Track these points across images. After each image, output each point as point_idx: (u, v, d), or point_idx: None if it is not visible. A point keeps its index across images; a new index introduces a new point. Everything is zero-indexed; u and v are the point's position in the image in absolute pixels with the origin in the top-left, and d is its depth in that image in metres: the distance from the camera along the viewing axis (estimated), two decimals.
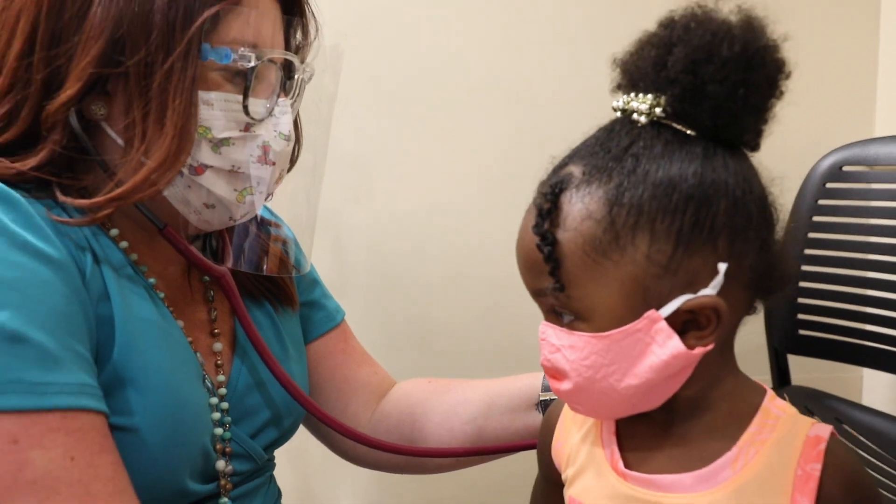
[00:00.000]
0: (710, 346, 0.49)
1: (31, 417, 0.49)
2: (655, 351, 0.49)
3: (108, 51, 0.56)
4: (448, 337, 1.47)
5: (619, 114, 0.52)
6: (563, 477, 0.58)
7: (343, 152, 1.40)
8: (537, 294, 0.53)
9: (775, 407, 0.53)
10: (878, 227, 1.15)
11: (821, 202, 1.20)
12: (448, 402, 0.82)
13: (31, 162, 0.56)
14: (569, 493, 0.56)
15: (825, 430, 0.51)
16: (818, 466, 0.49)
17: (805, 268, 1.21)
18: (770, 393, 0.54)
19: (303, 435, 0.87)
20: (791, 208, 1.24)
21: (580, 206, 0.49)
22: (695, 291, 0.49)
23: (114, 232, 0.61)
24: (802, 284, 1.21)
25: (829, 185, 1.19)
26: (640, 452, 0.54)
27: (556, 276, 0.50)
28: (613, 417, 0.55)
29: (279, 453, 0.78)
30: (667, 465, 0.52)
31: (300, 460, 1.37)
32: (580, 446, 0.57)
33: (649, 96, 0.50)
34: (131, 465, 0.54)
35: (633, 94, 0.51)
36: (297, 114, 0.70)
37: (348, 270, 1.44)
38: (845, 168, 1.19)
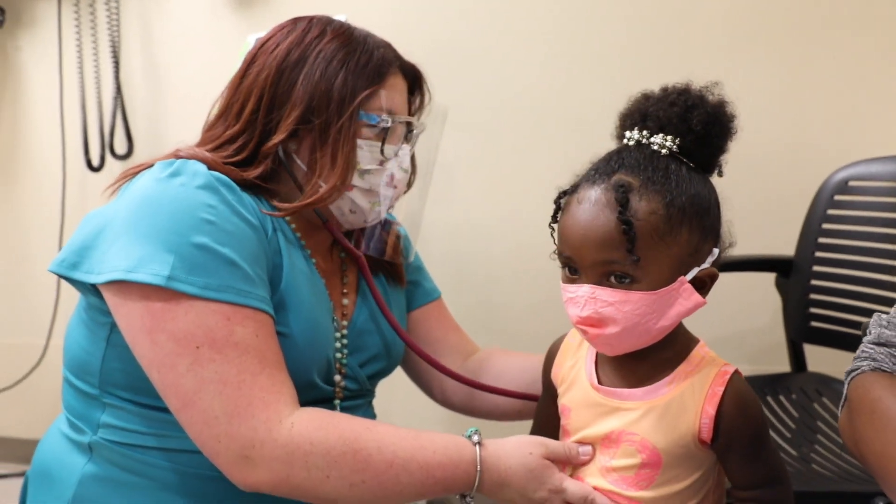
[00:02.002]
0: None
1: (237, 308, 0.78)
2: (682, 302, 0.72)
3: (305, 113, 0.88)
4: (511, 321, 1.72)
5: (631, 143, 0.75)
6: (559, 391, 0.84)
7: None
8: (603, 264, 0.71)
9: (703, 351, 0.78)
10: (876, 235, 1.33)
11: (829, 212, 1.38)
12: (515, 366, 1.05)
13: (254, 173, 0.88)
14: (561, 401, 0.82)
15: (732, 368, 0.76)
16: (721, 388, 0.73)
17: (815, 268, 1.39)
18: (702, 343, 0.79)
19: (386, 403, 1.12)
20: (805, 215, 1.43)
21: (646, 205, 0.70)
22: (700, 265, 0.74)
23: (287, 219, 0.92)
24: (814, 283, 1.39)
25: (836, 197, 1.38)
26: (610, 375, 0.79)
27: (632, 250, 0.70)
28: (627, 351, 0.75)
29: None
30: (626, 383, 0.77)
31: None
32: (570, 371, 0.83)
33: (669, 137, 0.74)
34: (284, 358, 0.82)
35: (651, 133, 0.74)
36: (414, 154, 1.01)
37: (429, 263, 1.72)
38: (850, 183, 1.36)
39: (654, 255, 0.70)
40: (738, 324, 1.61)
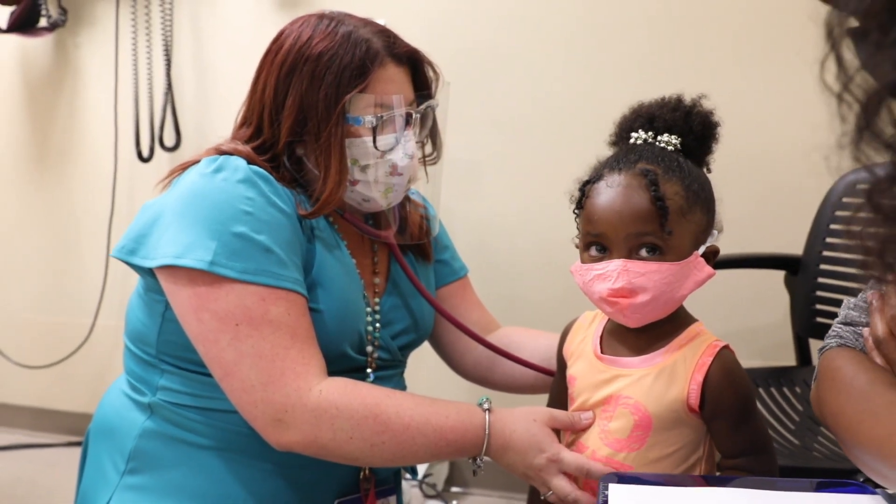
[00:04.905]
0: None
1: (271, 290, 0.87)
2: (696, 273, 0.82)
3: (296, 124, 0.94)
4: (534, 313, 1.79)
5: (639, 141, 0.86)
6: (568, 364, 0.92)
7: (457, 160, 1.78)
8: (637, 236, 0.79)
9: (698, 328, 0.86)
10: None
11: (838, 213, 1.43)
12: (535, 345, 1.12)
13: (281, 174, 0.96)
14: (569, 372, 0.91)
15: (721, 343, 0.84)
16: (710, 359, 0.82)
17: (823, 266, 1.45)
18: (699, 322, 0.87)
19: (414, 377, 1.20)
20: (814, 216, 1.49)
21: (670, 187, 0.80)
22: (705, 242, 0.84)
23: None
24: (820, 280, 1.45)
25: (845, 199, 1.43)
26: (613, 346, 0.88)
27: (664, 224, 0.79)
28: (651, 320, 0.83)
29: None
30: (626, 353, 0.86)
31: None
32: (579, 346, 0.91)
33: (674, 136, 0.85)
34: (317, 332, 0.92)
35: (656, 133, 0.86)
36: (436, 130, 1.06)
37: None
38: (859, 186, 1.42)
39: (678, 230, 0.80)
40: (748, 320, 1.67)
